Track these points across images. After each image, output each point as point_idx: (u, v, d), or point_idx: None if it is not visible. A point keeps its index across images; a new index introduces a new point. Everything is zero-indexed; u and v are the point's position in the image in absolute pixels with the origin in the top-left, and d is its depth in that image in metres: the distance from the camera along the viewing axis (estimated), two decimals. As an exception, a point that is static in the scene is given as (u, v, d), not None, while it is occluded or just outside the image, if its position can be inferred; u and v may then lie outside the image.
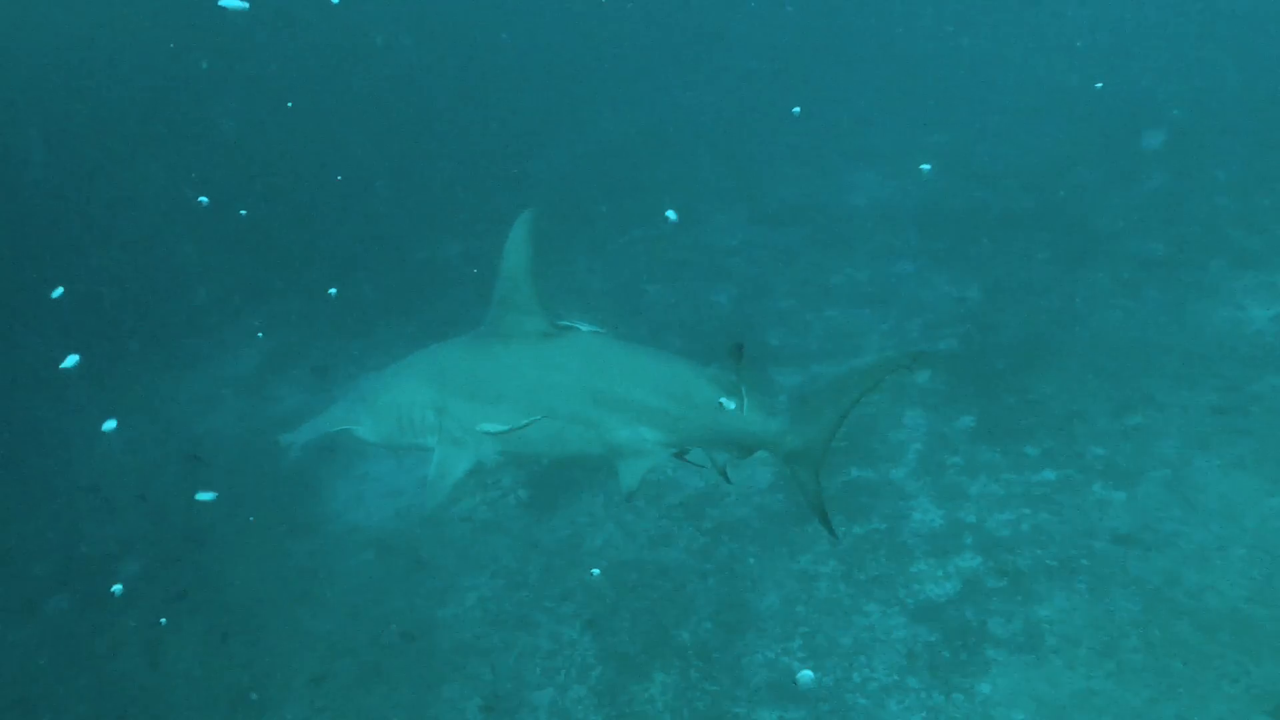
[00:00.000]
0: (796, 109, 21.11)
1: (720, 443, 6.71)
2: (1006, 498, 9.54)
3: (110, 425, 12.12)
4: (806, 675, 7.79)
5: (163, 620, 9.37)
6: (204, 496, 9.71)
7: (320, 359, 14.18)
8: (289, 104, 20.99)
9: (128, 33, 20.95)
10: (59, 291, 12.31)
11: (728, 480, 6.96)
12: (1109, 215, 15.43)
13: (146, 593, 9.72)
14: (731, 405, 6.46)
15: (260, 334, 14.95)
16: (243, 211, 16.50)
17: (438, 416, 7.06)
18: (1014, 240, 15.07)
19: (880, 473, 10.18)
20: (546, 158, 21.75)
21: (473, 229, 18.37)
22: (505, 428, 6.82)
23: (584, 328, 7.00)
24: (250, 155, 19.04)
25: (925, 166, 10.13)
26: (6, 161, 15.70)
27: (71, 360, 10.04)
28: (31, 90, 18.96)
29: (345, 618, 9.22)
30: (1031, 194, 16.90)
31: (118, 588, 9.70)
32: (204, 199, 15.60)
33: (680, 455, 6.81)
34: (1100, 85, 21.66)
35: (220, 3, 7.05)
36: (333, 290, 15.26)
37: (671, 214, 8.51)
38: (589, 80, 26.08)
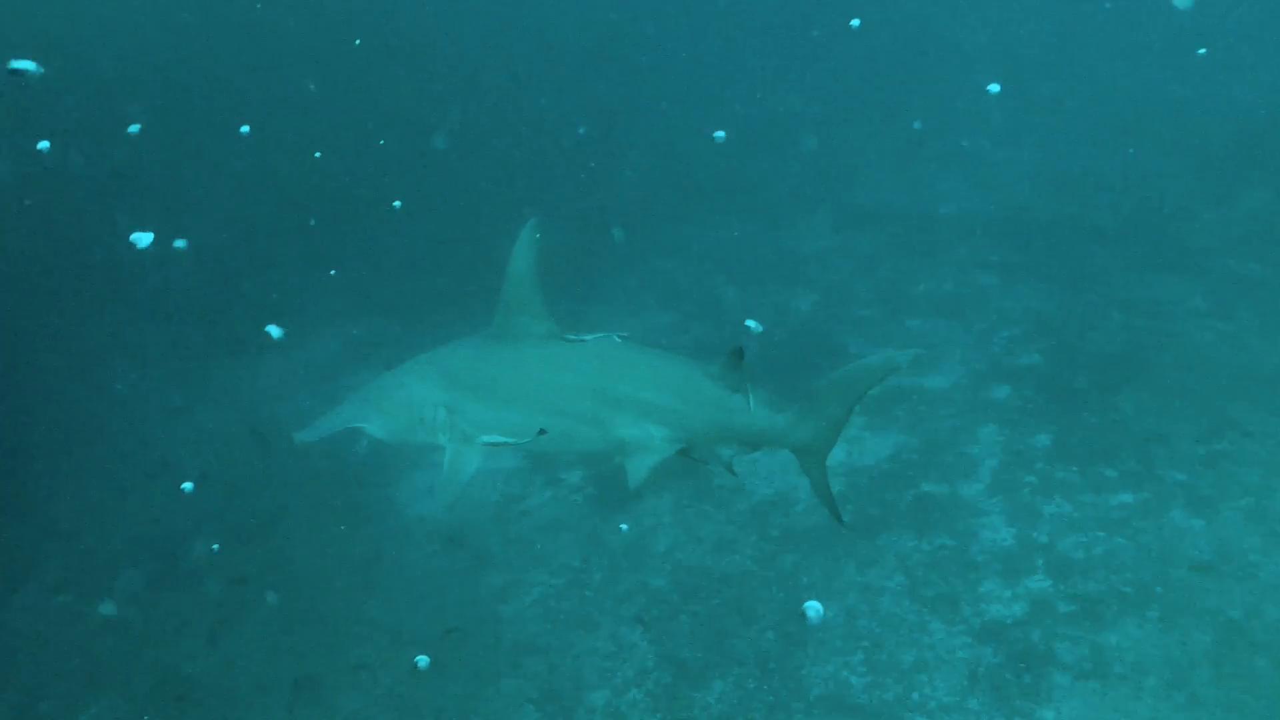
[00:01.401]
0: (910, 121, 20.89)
1: (727, 438, 6.87)
2: (1081, 520, 9.31)
3: (186, 406, 12.34)
4: (815, 608, 7.57)
5: (228, 602, 9.51)
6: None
7: (396, 350, 14.27)
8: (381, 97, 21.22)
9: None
10: (182, 242, 12.47)
11: (733, 473, 7.08)
12: (1204, 232, 15.07)
13: (213, 574, 9.85)
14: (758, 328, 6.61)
15: (343, 322, 15.11)
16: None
17: (448, 415, 7.18)
18: (1104, 254, 14.77)
19: (952, 488, 10.00)
20: (633, 155, 21.73)
21: (558, 226, 18.41)
22: (506, 439, 6.99)
23: (589, 338, 7.12)
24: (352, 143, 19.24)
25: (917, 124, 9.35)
26: (104, 131, 16.00)
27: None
28: (132, 58, 19.27)
29: (407, 608, 9.26)
30: (1124, 207, 16.56)
31: (186, 566, 9.89)
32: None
33: (685, 452, 6.90)
34: (1203, 51, 21.08)
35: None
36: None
37: (719, 134, 8.51)
38: (678, 78, 26.02)
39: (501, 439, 7.01)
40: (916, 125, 21.54)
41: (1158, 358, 11.76)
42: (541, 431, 6.96)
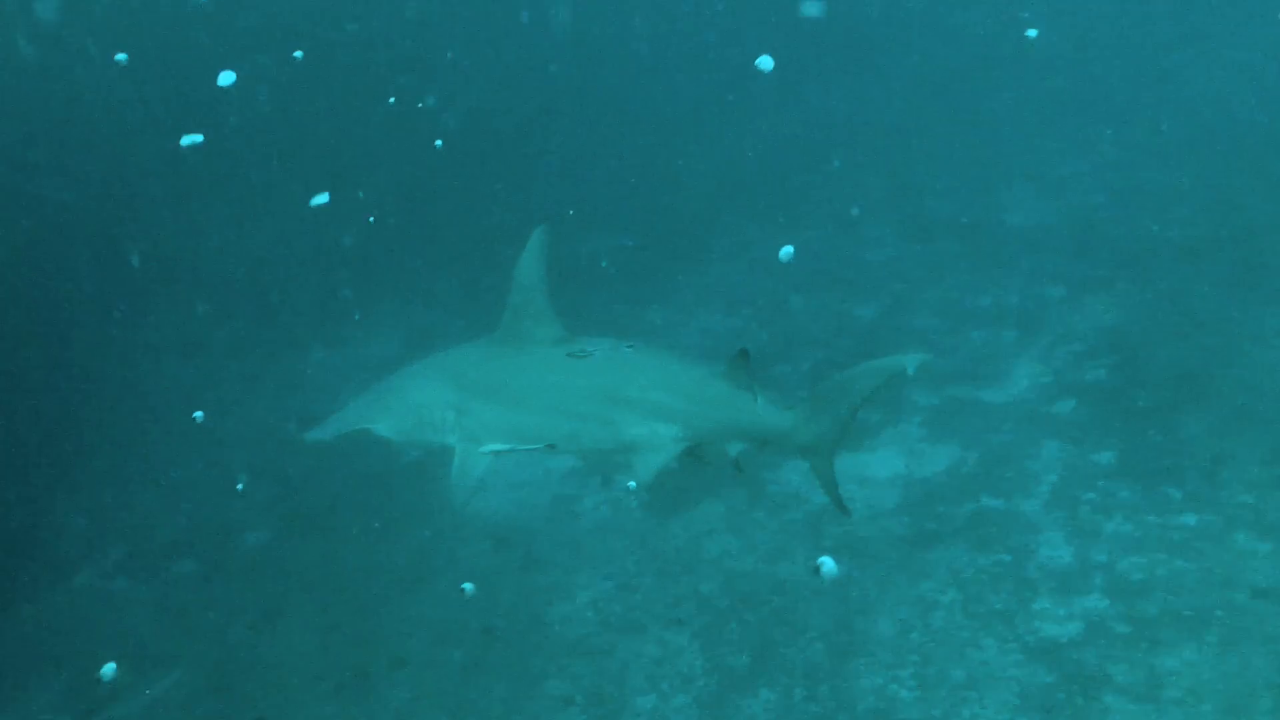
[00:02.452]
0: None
1: (735, 436, 7.02)
2: (1142, 540, 9.12)
3: (240, 399, 12.47)
4: (829, 564, 7.45)
5: (278, 593, 9.61)
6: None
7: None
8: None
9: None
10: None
11: (740, 471, 7.23)
12: (1280, 252, 14.71)
13: (265, 565, 9.96)
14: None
15: (401, 317, 15.21)
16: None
17: (457, 416, 7.27)
18: (1177, 270, 14.44)
19: (1011, 503, 9.85)
20: (702, 155, 21.67)
21: (626, 227, 18.44)
22: (509, 447, 7.17)
23: (596, 348, 7.21)
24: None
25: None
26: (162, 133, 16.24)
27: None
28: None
29: (455, 607, 9.29)
30: (1201, 223, 16.18)
31: (238, 557, 10.01)
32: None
33: (692, 452, 7.01)
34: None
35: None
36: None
37: (764, 62, 8.40)
38: (750, 79, 25.88)
39: (508, 446, 7.18)
40: (986, 133, 21.29)
41: (1228, 377, 11.47)
42: (550, 447, 7.24)
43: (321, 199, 10.11)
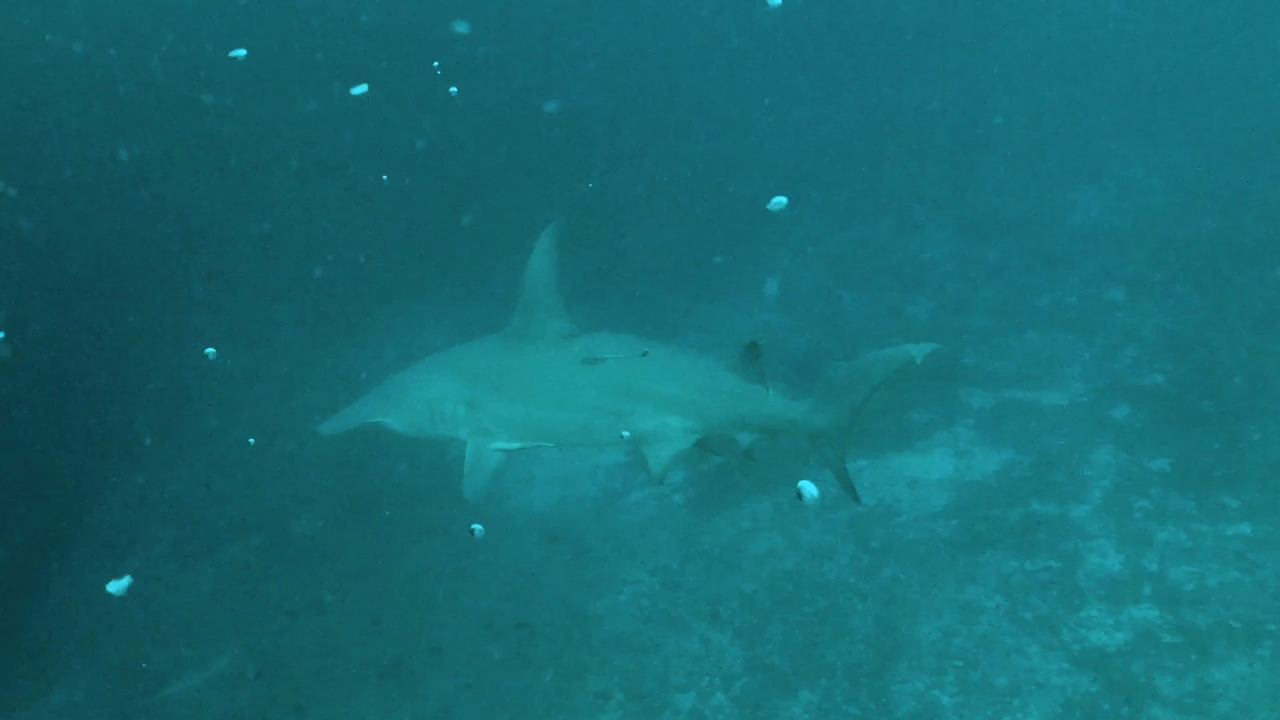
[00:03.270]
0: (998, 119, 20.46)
1: (746, 427, 7.09)
2: (1195, 549, 8.96)
3: (292, 387, 12.58)
4: (809, 488, 7.38)
5: (326, 580, 9.70)
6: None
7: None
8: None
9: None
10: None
11: (752, 460, 7.28)
12: (1352, 258, 14.39)
13: (313, 553, 10.06)
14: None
15: (458, 306, 15.27)
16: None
17: (469, 411, 7.35)
18: (1241, 274, 14.17)
19: (1062, 508, 9.71)
20: (758, 152, 21.58)
21: (678, 220, 18.40)
22: (519, 445, 7.29)
23: (609, 355, 7.21)
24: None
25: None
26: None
27: None
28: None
29: (500, 599, 9.34)
30: (1268, 227, 15.87)
31: (287, 544, 10.12)
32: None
33: (702, 443, 7.12)
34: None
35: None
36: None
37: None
38: (808, 75, 25.73)
39: (519, 444, 7.28)
40: (1053, 131, 21.03)
41: (1289, 384, 11.29)
42: (562, 442, 7.38)
43: (361, 89, 10.04)
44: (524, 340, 7.37)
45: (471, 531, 8.21)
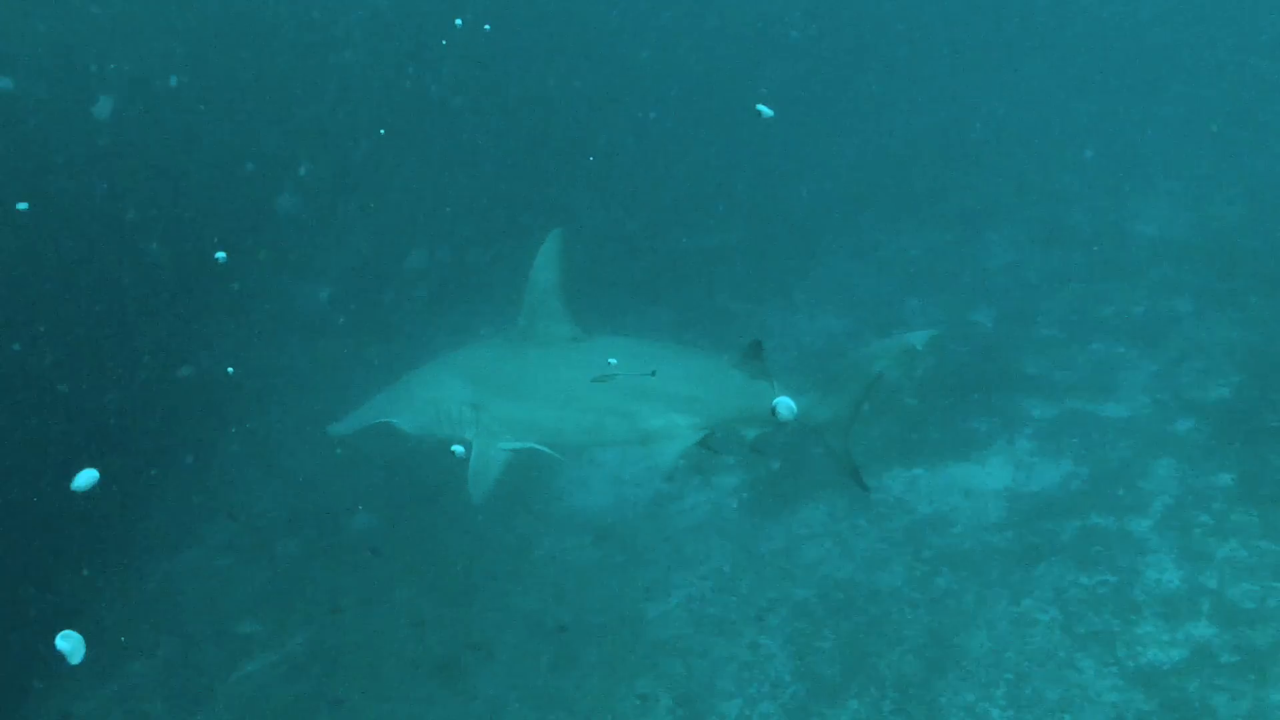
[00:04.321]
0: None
1: (752, 422, 7.31)
2: (1257, 567, 8.80)
3: (351, 383, 12.68)
4: (786, 404, 7.36)
5: (380, 576, 9.80)
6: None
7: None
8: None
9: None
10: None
11: (758, 452, 7.60)
12: None
13: (367, 548, 10.16)
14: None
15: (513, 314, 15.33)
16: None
17: (474, 412, 7.55)
18: (1316, 288, 13.91)
19: (1120, 522, 9.58)
20: (824, 156, 21.51)
21: (747, 220, 18.39)
22: (526, 445, 7.47)
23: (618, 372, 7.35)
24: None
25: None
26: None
27: None
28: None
29: (551, 599, 9.40)
30: (1344, 239, 15.59)
31: (342, 540, 10.23)
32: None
33: (704, 441, 7.34)
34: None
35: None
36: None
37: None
38: (876, 79, 25.60)
39: (524, 444, 7.46)
40: (1122, 140, 20.76)
41: (1360, 400, 11.05)
42: (567, 444, 7.56)
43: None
44: (529, 343, 7.59)
45: (453, 453, 8.32)
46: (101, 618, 9.83)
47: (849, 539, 9.84)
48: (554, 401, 7.50)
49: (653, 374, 7.08)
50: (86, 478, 6.55)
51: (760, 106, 8.26)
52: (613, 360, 7.18)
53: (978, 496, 10.27)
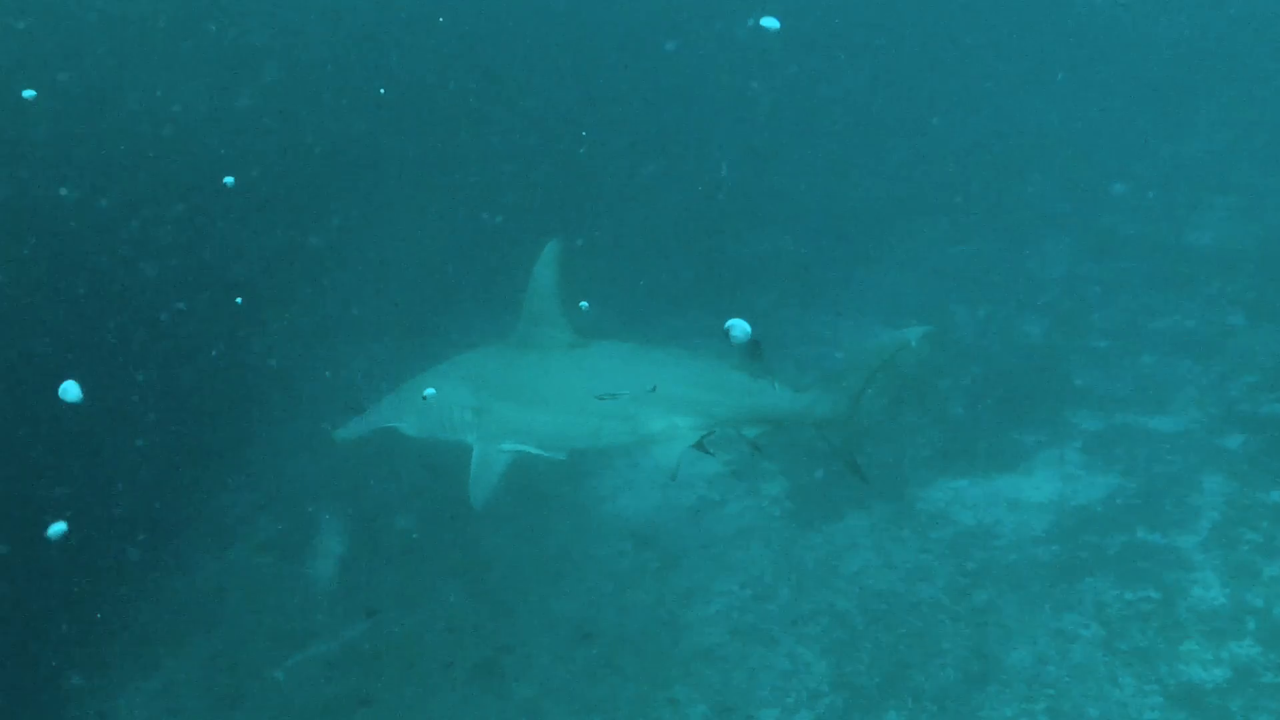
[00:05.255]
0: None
1: (753, 421, 7.51)
2: (1306, 586, 8.69)
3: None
4: (740, 325, 7.35)
5: (420, 577, 9.87)
6: None
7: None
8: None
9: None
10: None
11: (759, 450, 7.79)
12: None
13: (409, 550, 10.25)
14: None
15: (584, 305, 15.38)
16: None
17: (476, 417, 7.71)
18: (1376, 303, 13.68)
19: (1167, 538, 9.48)
20: (875, 157, 21.40)
21: (792, 226, 18.35)
22: (526, 448, 7.63)
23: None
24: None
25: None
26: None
27: None
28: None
29: (590, 604, 9.42)
30: (1407, 253, 15.32)
31: (384, 540, 10.32)
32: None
33: (700, 444, 7.49)
34: None
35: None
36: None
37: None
38: (931, 86, 25.44)
39: (526, 447, 7.62)
40: (1181, 146, 20.51)
41: None
42: (570, 446, 7.69)
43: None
44: (529, 348, 7.74)
45: (424, 398, 8.41)
46: (145, 615, 9.96)
47: (891, 549, 9.80)
48: (554, 405, 7.67)
49: (654, 389, 7.24)
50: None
51: (764, 20, 8.13)
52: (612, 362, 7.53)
53: (1023, 509, 10.19)
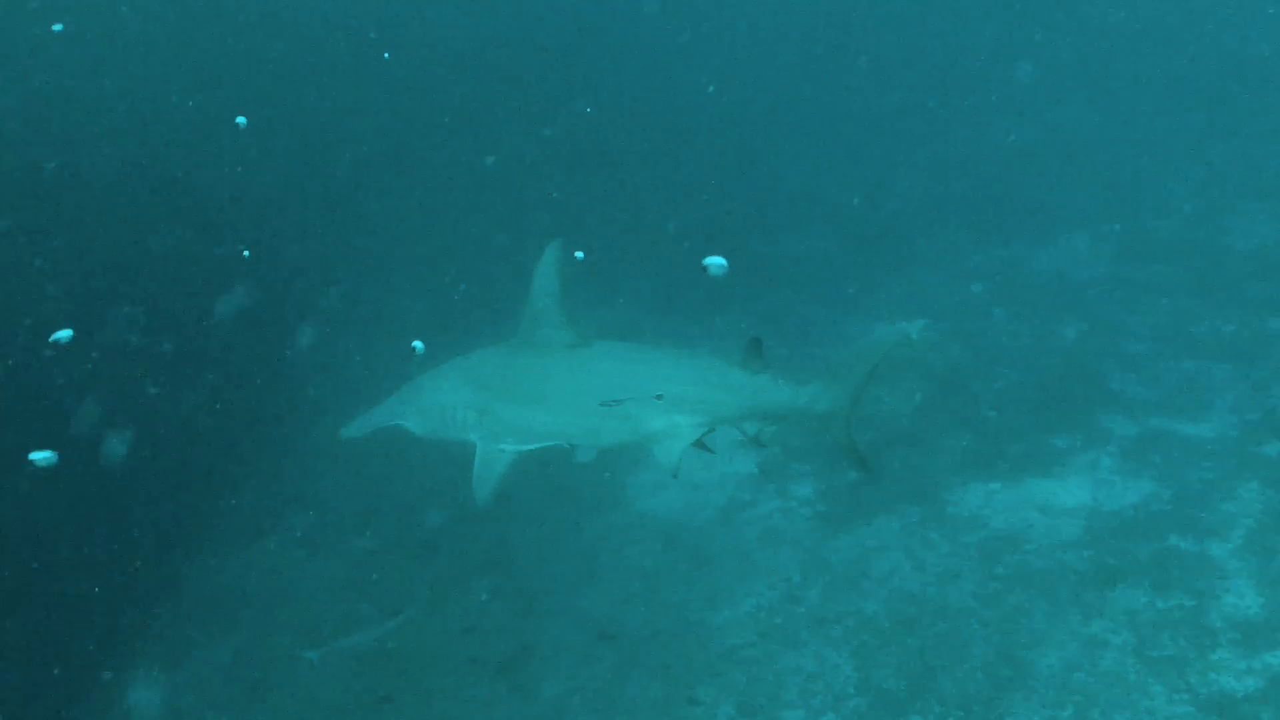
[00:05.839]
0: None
1: (754, 417, 7.59)
2: (1341, 597, 8.58)
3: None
4: (717, 262, 7.31)
5: (450, 574, 9.91)
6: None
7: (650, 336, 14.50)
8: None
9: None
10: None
11: (761, 445, 7.85)
12: None
13: (440, 547, 10.29)
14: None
15: (596, 308, 15.41)
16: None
17: (479, 416, 7.78)
18: None
19: (1201, 545, 9.38)
20: (912, 162, 21.30)
21: (822, 229, 18.29)
22: (527, 447, 7.68)
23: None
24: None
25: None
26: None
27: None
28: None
29: (619, 603, 9.43)
30: None
31: (415, 537, 10.36)
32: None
33: (700, 443, 7.56)
34: None
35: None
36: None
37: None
38: (974, 91, 25.30)
39: (527, 446, 7.66)
40: (1222, 150, 20.30)
41: None
42: (571, 444, 7.72)
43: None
44: (530, 349, 7.83)
45: (413, 350, 8.42)
46: (178, 606, 10.05)
47: (921, 553, 9.75)
48: (555, 405, 7.74)
49: (659, 397, 7.35)
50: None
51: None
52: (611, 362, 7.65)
53: (1054, 514, 10.12)
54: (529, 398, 7.79)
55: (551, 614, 9.36)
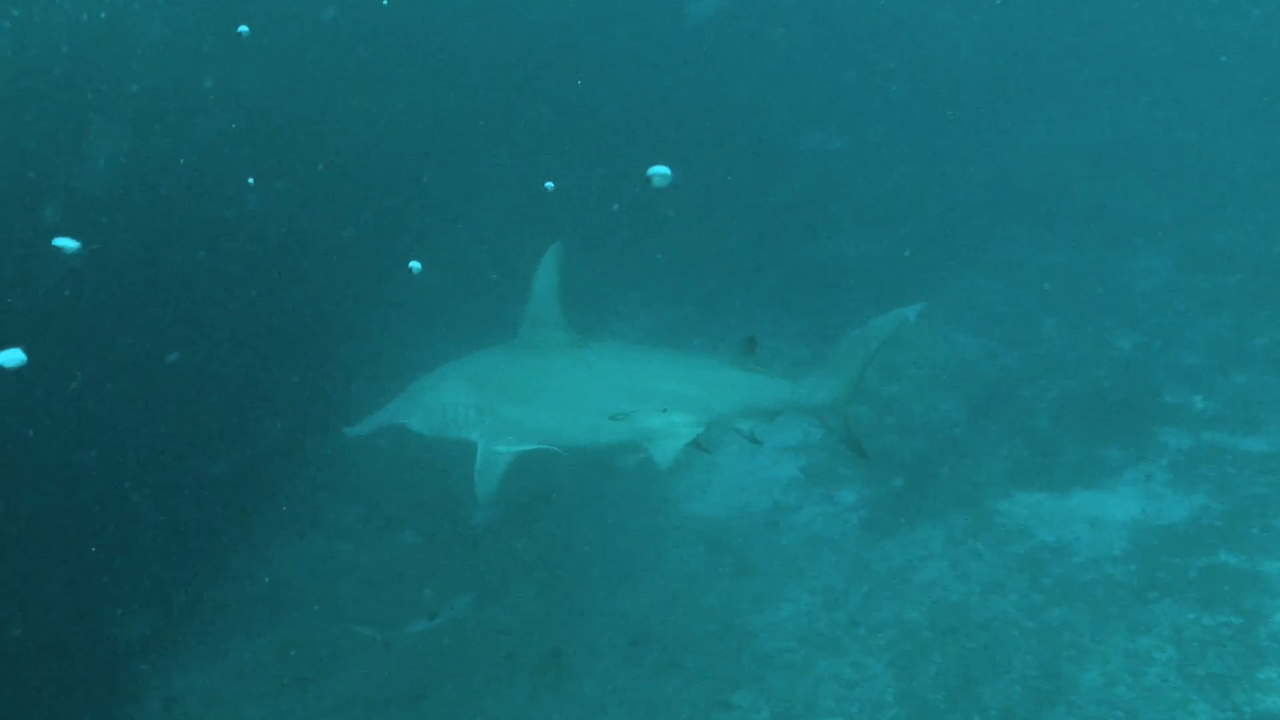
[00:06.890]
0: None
1: (750, 413, 7.81)
2: (1394, 618, 8.41)
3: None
4: (661, 172, 7.25)
5: (493, 572, 9.97)
6: None
7: (702, 337, 14.50)
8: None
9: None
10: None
11: (757, 442, 8.06)
12: None
13: (485, 544, 10.35)
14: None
15: (645, 311, 15.46)
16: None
17: (479, 416, 7.97)
18: None
19: (1251, 561, 9.23)
20: (969, 167, 21.13)
21: (876, 233, 18.19)
22: (522, 448, 7.87)
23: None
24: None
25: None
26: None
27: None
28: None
29: (660, 605, 9.43)
30: None
31: (461, 533, 10.45)
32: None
33: (697, 442, 7.79)
34: None
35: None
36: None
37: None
38: (1033, 94, 25.04)
39: (527, 445, 7.84)
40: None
41: None
42: (569, 444, 7.90)
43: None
44: (531, 350, 7.98)
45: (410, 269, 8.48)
46: (223, 598, 10.18)
47: (965, 562, 9.68)
48: (555, 404, 7.92)
49: (664, 410, 7.54)
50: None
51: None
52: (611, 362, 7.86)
53: (1103, 526, 10.00)
54: (528, 397, 7.97)
55: (592, 614, 9.38)
